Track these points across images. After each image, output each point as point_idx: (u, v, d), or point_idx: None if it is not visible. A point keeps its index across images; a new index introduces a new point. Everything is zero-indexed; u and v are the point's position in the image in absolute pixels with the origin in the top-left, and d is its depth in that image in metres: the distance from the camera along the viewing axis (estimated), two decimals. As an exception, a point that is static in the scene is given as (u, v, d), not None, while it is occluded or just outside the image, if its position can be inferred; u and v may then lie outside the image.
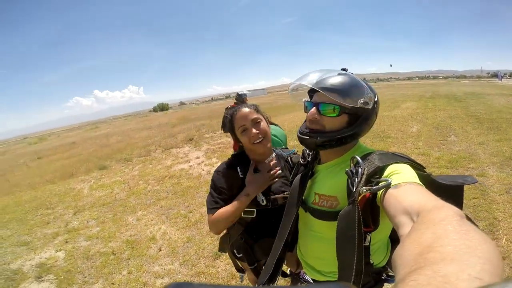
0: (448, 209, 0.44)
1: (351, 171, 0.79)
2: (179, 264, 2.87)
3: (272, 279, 1.08)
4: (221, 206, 1.21)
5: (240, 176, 1.27)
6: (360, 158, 0.79)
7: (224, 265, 2.70)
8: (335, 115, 0.86)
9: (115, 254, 3.26)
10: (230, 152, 7.31)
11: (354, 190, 0.72)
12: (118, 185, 6.20)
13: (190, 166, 6.68)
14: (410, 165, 0.76)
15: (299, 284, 1.56)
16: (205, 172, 5.98)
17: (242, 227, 1.32)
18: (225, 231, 1.38)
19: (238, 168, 1.29)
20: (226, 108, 1.38)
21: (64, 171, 9.08)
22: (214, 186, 1.28)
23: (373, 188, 0.69)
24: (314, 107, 0.90)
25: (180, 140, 10.94)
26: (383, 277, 0.98)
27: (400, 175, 0.70)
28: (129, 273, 2.86)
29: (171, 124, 19.48)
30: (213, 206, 1.23)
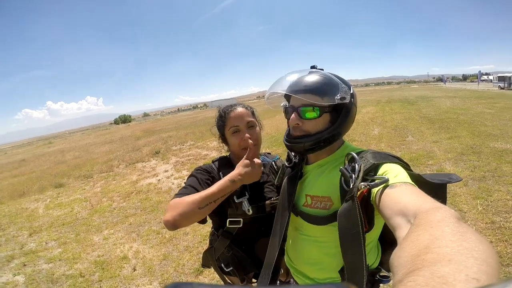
0: (445, 211, 0.45)
1: (345, 168, 0.77)
2: (158, 283, 2.68)
3: None
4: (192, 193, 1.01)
5: None
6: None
7: (208, 281, 2.56)
8: (316, 116, 0.84)
9: (83, 277, 2.97)
10: (201, 163, 7.15)
11: (351, 186, 0.71)
12: (79, 203, 5.73)
13: (159, 180, 6.40)
14: (401, 166, 0.77)
15: None
16: (175, 185, 5.74)
17: (228, 239, 1.17)
18: (208, 246, 1.26)
19: (220, 173, 1.16)
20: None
21: (13, 190, 8.20)
22: (191, 178, 1.11)
23: (372, 184, 0.69)
24: (294, 113, 0.87)
25: (145, 153, 10.47)
26: (377, 278, 0.96)
27: (394, 175, 0.70)
28: (102, 296, 2.62)
29: (135, 137, 18.67)
30: (183, 192, 1.03)
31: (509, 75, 30.85)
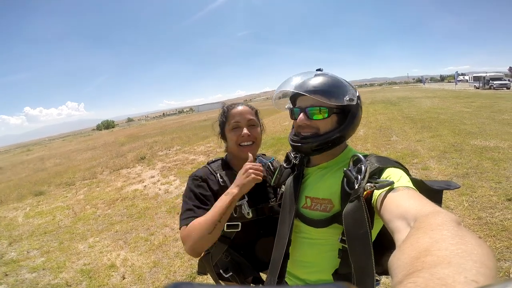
0: (445, 215, 0.46)
1: (349, 170, 0.78)
2: (149, 291, 2.60)
3: None
4: (199, 216, 0.99)
5: (221, 184, 1.10)
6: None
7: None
8: (325, 116, 0.84)
9: (70, 286, 2.85)
10: (189, 168, 7.06)
11: (357, 187, 0.71)
12: (61, 211, 5.51)
13: (145, 186, 6.25)
14: (403, 171, 0.78)
15: None
16: (162, 191, 5.62)
17: (225, 244, 1.12)
18: (204, 252, 1.19)
19: (218, 174, 1.13)
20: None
21: (-12, 198, 7.78)
22: (190, 194, 1.07)
23: (377, 185, 0.69)
24: (302, 113, 0.87)
25: (130, 159, 10.23)
26: None
27: (397, 179, 0.71)
28: (91, 307, 2.50)
29: (119, 143, 18.20)
30: (187, 215, 1.00)
31: (483, 75, 32.53)
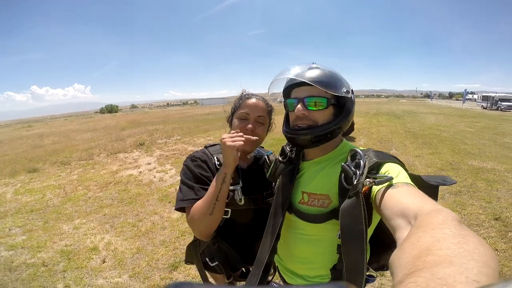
0: (446, 214, 0.45)
1: (347, 165, 0.77)
2: (128, 276, 2.57)
3: None
4: (201, 197, 0.99)
5: (217, 167, 1.09)
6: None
7: (183, 277, 2.48)
8: (323, 107, 0.83)
9: (46, 266, 2.82)
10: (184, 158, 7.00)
11: (355, 182, 0.71)
12: (52, 190, 5.49)
13: (140, 172, 6.24)
14: (401, 166, 0.77)
15: None
16: (157, 179, 5.61)
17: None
18: (193, 238, 1.19)
19: (215, 157, 1.11)
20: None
21: (-20, 172, 7.76)
22: (189, 174, 1.06)
23: (377, 181, 0.68)
24: (300, 103, 0.85)
25: (129, 144, 10.21)
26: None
27: (396, 175, 0.70)
28: (66, 286, 2.49)
29: (120, 127, 18.20)
30: (187, 196, 1.00)
31: (492, 95, 32.22)
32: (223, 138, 0.98)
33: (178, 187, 1.08)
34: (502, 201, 3.79)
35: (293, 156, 1.01)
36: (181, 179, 1.08)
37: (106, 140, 11.98)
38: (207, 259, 1.16)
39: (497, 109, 28.58)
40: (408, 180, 0.69)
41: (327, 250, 0.87)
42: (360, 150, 0.81)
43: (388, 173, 0.71)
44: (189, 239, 3.03)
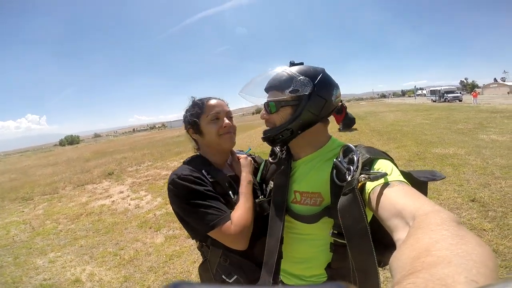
0: (444, 214, 0.45)
1: (339, 161, 0.76)
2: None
3: None
4: (225, 211, 0.93)
5: (209, 180, 1.01)
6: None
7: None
8: (276, 110, 0.86)
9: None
10: (161, 183, 6.75)
11: (350, 178, 0.69)
12: (16, 225, 5.11)
13: (113, 201, 5.92)
14: (392, 162, 0.75)
15: None
16: (132, 206, 5.33)
17: (219, 248, 1.01)
18: (202, 260, 1.11)
19: (203, 171, 1.02)
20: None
21: None
22: (194, 193, 0.94)
23: (372, 177, 0.66)
24: (263, 108, 0.91)
25: (96, 175, 9.67)
26: None
27: (389, 172, 0.68)
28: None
29: (84, 159, 17.21)
30: (218, 213, 0.92)
31: (438, 88, 35.36)
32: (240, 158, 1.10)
33: (173, 210, 1.01)
34: (471, 182, 4.02)
35: (283, 156, 0.99)
36: (186, 203, 0.94)
37: (70, 173, 11.25)
38: (223, 276, 1.06)
39: (444, 101, 31.42)
40: (402, 178, 0.67)
41: (320, 248, 0.86)
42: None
43: (381, 170, 0.70)
44: (178, 263, 2.94)
